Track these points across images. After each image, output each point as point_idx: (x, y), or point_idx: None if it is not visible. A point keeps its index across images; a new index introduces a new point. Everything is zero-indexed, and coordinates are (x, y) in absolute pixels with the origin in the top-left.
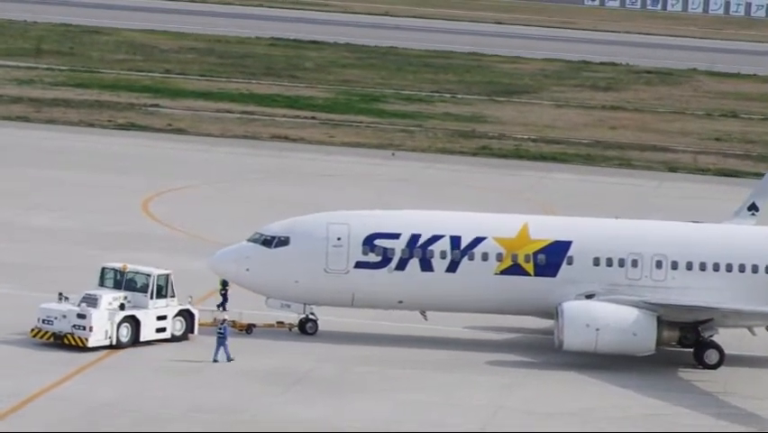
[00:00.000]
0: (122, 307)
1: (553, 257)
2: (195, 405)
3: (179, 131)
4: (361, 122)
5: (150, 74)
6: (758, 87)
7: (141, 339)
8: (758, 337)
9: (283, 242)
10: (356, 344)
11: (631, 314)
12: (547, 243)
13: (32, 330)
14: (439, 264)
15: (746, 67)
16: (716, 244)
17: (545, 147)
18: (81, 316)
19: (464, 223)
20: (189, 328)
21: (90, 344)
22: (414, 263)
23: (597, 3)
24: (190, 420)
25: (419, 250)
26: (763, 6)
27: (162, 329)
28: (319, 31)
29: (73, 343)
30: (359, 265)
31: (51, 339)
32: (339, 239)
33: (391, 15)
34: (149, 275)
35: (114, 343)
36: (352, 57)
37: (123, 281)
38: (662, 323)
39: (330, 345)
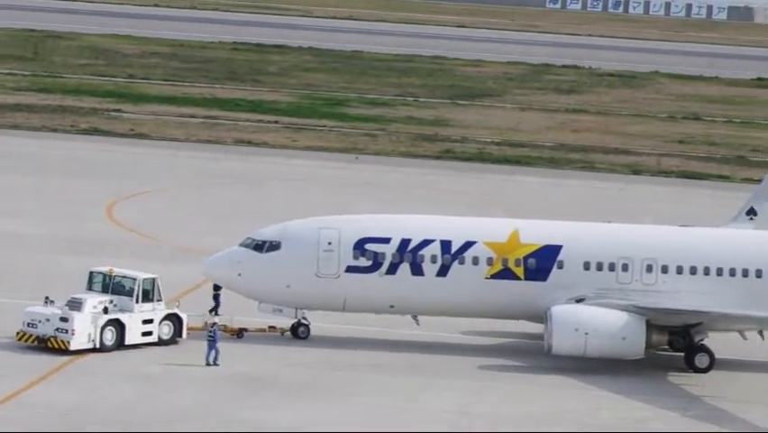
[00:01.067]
0: (105, 310)
1: (543, 261)
2: (161, 410)
3: (142, 135)
4: (324, 126)
5: (113, 79)
6: (720, 90)
7: (127, 343)
8: (750, 342)
9: (274, 246)
10: (327, 348)
11: (620, 318)
12: (537, 247)
13: (18, 333)
14: (430, 269)
15: (708, 69)
16: (706, 248)
17: (509, 150)
18: (64, 319)
19: (455, 227)
20: (177, 333)
21: (72, 347)
22: (404, 268)
23: (558, 6)
24: (156, 426)
25: (410, 254)
26: (724, 9)
27: (149, 333)
28: (282, 35)
29: (56, 346)
30: (350, 270)
31: (36, 342)
32: (330, 244)
33: (355, 19)
34: (134, 279)
35: (97, 346)
36: (316, 61)
37: (110, 285)
38: (651, 327)
39: (301, 350)
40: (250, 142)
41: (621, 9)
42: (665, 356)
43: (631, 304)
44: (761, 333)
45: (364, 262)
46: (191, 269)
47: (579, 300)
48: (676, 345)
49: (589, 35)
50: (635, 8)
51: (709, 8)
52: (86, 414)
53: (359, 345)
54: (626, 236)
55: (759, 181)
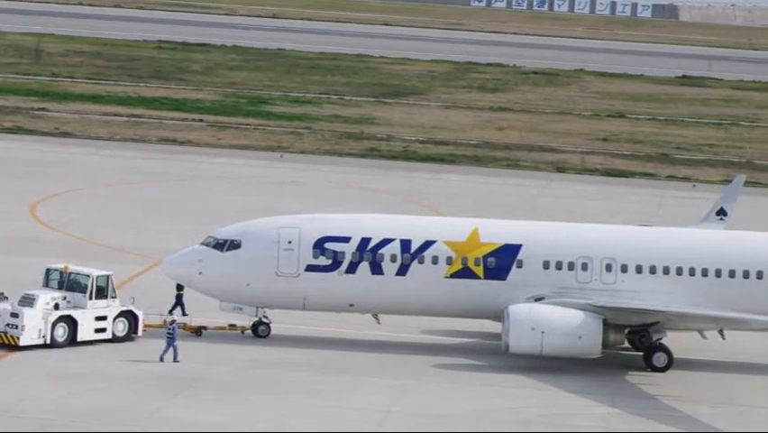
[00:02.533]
0: (56, 307)
1: (502, 260)
2: (84, 410)
3: (67, 134)
4: (248, 124)
5: (36, 77)
6: (645, 87)
7: (79, 339)
8: (709, 341)
9: (235, 245)
10: (254, 346)
11: (577, 317)
12: (497, 246)
13: None
14: (389, 268)
15: (633, 67)
16: (665, 248)
17: (434, 148)
18: (14, 315)
19: (414, 226)
20: (133, 329)
21: (22, 342)
22: (364, 267)
23: (483, 4)
24: (78, 426)
25: (369, 253)
26: (648, 7)
27: (102, 330)
28: (206, 33)
29: (6, 342)
30: (309, 269)
31: None
32: (290, 242)
33: (279, 18)
34: (88, 276)
35: (48, 342)
36: (240, 59)
37: (65, 282)
38: (608, 326)
39: (228, 348)
40: (174, 141)
41: (546, 7)
42: (624, 355)
43: (588, 303)
44: (721, 332)
45: (324, 261)
46: (115, 267)
47: (538, 299)
48: (637, 345)
49: (515, 33)
50: (559, 6)
51: (634, 6)
52: (3, 412)
53: (298, 344)
54: (586, 236)
55: (728, 182)
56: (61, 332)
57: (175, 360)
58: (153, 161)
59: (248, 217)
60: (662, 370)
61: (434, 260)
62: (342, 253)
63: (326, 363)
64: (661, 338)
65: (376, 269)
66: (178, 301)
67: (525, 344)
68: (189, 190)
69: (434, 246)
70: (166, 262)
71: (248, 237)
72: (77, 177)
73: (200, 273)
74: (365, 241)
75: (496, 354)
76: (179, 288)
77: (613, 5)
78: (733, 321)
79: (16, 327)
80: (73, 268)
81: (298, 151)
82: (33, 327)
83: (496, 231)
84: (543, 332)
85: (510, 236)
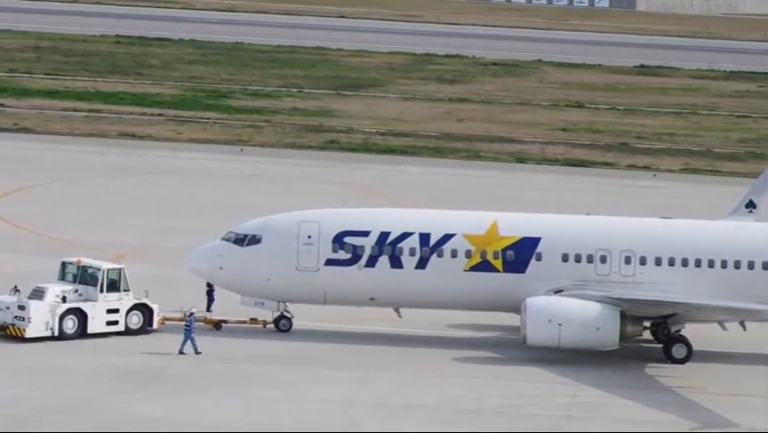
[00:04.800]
0: (64, 299)
1: (521, 253)
2: (42, 405)
3: (26, 130)
4: (208, 118)
5: None
6: (603, 77)
7: (90, 331)
8: (730, 332)
9: (255, 240)
10: (219, 338)
11: (594, 309)
12: (516, 239)
13: None
14: (408, 261)
15: (591, 57)
16: (685, 240)
17: (393, 140)
18: (21, 307)
19: (434, 220)
20: (147, 322)
21: (28, 334)
22: (383, 261)
23: None
24: (36, 421)
25: (389, 247)
26: None
27: (114, 322)
28: (164, 27)
29: (13, 333)
30: (329, 263)
31: None
32: (310, 237)
33: (236, 11)
34: (99, 269)
35: (56, 334)
36: (198, 53)
37: (79, 275)
38: (626, 318)
39: (201, 342)
40: (134, 136)
41: None
42: (644, 347)
43: (605, 295)
44: (742, 324)
45: (343, 255)
46: None
47: (557, 292)
48: (661, 337)
49: (473, 24)
50: None
51: None
52: None
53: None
54: (605, 228)
55: (756, 175)
56: (71, 324)
57: (196, 351)
58: (113, 156)
59: (210, 212)
60: (682, 361)
61: (454, 253)
62: (362, 247)
63: (289, 356)
64: (680, 330)
65: (395, 263)
66: (210, 297)
67: (542, 336)
68: (149, 185)
69: (453, 240)
70: (188, 258)
71: (268, 232)
72: (36, 172)
73: (221, 268)
74: (384, 235)
75: (514, 348)
76: (209, 284)
77: None
78: (752, 312)
79: (23, 320)
80: (85, 261)
81: (258, 144)
82: (40, 319)
83: (515, 224)
84: (560, 324)
85: (529, 229)
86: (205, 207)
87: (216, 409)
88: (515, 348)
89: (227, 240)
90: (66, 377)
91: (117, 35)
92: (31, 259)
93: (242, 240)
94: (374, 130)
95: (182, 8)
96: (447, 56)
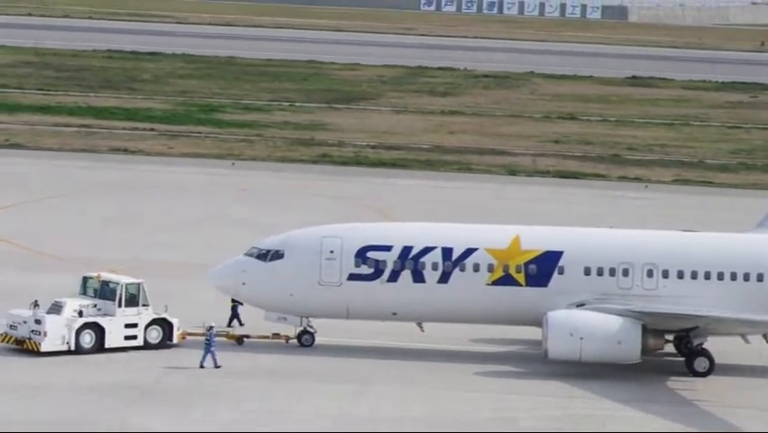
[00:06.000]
0: (80, 314)
1: (544, 267)
2: (35, 420)
3: (17, 145)
4: (200, 132)
5: None
6: (595, 89)
7: (107, 346)
8: (753, 346)
9: (278, 255)
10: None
11: (616, 322)
12: (538, 253)
13: (1, 335)
14: (431, 276)
15: (583, 69)
16: (707, 253)
17: (385, 153)
18: (38, 321)
19: (456, 234)
20: (167, 337)
21: (43, 348)
22: (406, 275)
23: (433, 8)
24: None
25: (411, 261)
26: (598, 8)
27: (133, 337)
28: (156, 42)
29: (30, 348)
30: (352, 277)
31: (14, 344)
32: (332, 252)
33: (228, 25)
34: (117, 283)
35: (72, 349)
36: (189, 68)
37: (99, 290)
38: (647, 331)
39: (181, 356)
40: (126, 151)
41: (496, 10)
42: (665, 361)
43: (626, 308)
44: (765, 337)
45: (366, 269)
46: (68, 278)
47: (579, 306)
48: (684, 350)
49: (464, 36)
50: (509, 9)
51: (584, 8)
52: None
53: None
54: (627, 242)
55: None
56: (88, 339)
57: (216, 365)
58: (104, 171)
59: (201, 226)
60: (704, 375)
61: (476, 267)
62: (384, 261)
63: (283, 369)
64: (702, 343)
65: (418, 277)
66: (234, 313)
67: (564, 349)
68: (141, 200)
69: (475, 254)
70: (210, 274)
71: (291, 247)
72: (27, 188)
73: (244, 284)
74: (407, 249)
75: (535, 362)
76: (234, 300)
77: (563, 7)
78: None
79: (39, 334)
80: (105, 276)
81: (250, 158)
82: (56, 333)
83: (537, 238)
84: (581, 338)
85: (552, 243)
86: (198, 222)
87: (205, 422)
88: (536, 362)
89: (250, 255)
90: (59, 391)
91: (109, 50)
92: (23, 275)
93: (264, 255)
94: (365, 143)
95: (176, 23)
96: (439, 68)
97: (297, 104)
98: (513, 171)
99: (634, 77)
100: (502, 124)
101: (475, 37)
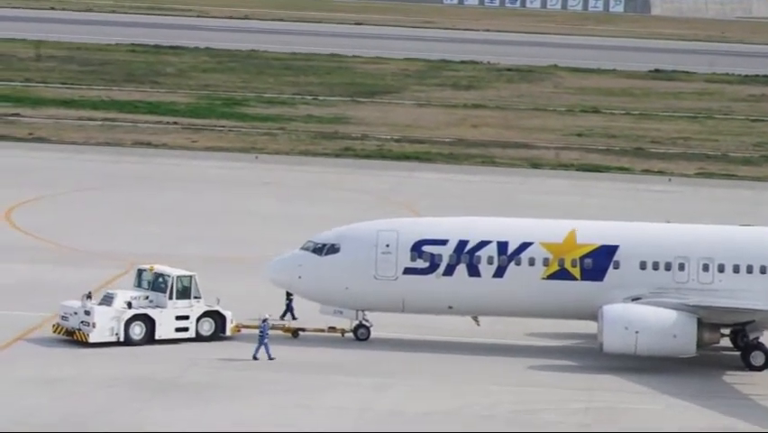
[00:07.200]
0: (129, 305)
1: (599, 261)
2: (60, 414)
3: (41, 139)
4: (223, 126)
5: (9, 83)
6: (618, 82)
7: (158, 338)
8: None
9: (334, 249)
10: (229, 348)
11: (671, 316)
12: (594, 247)
13: (53, 326)
14: (486, 270)
15: (606, 62)
16: (762, 247)
17: (408, 147)
18: (87, 313)
19: (511, 228)
20: (220, 329)
21: (92, 339)
22: (461, 269)
23: (456, 1)
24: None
25: (467, 256)
26: (620, 1)
27: (184, 329)
28: (179, 36)
29: (79, 339)
30: (407, 271)
31: (65, 334)
32: (388, 246)
33: (251, 19)
34: (169, 276)
35: (121, 340)
36: (213, 61)
37: (152, 282)
38: (703, 325)
39: (201, 350)
40: (149, 144)
41: (518, 4)
42: (721, 355)
43: (682, 302)
44: None
45: (422, 263)
46: (92, 272)
47: (635, 300)
48: (740, 344)
49: (487, 30)
50: (531, 2)
51: (606, 1)
52: None
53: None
54: (683, 236)
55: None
56: (138, 330)
57: (269, 357)
58: (128, 165)
59: (226, 220)
60: (760, 369)
61: (531, 261)
62: (440, 255)
63: (306, 362)
64: (758, 337)
65: (473, 271)
66: (288, 307)
67: (619, 343)
68: (165, 193)
69: (530, 248)
70: (268, 267)
71: (347, 241)
72: (51, 182)
73: (300, 277)
74: (462, 243)
75: (588, 355)
76: (289, 294)
77: (585, 1)
78: None
79: (88, 325)
80: (158, 268)
81: (273, 152)
82: (104, 324)
83: (593, 232)
84: (637, 331)
85: (607, 237)
86: (221, 215)
87: (229, 416)
88: (592, 356)
89: (306, 249)
90: (80, 386)
91: (132, 44)
92: (49, 268)
93: (320, 249)
94: (389, 137)
95: (197, 16)
96: (462, 62)
97: (321, 97)
98: (536, 165)
99: (657, 70)
100: (525, 117)
101: (498, 30)
